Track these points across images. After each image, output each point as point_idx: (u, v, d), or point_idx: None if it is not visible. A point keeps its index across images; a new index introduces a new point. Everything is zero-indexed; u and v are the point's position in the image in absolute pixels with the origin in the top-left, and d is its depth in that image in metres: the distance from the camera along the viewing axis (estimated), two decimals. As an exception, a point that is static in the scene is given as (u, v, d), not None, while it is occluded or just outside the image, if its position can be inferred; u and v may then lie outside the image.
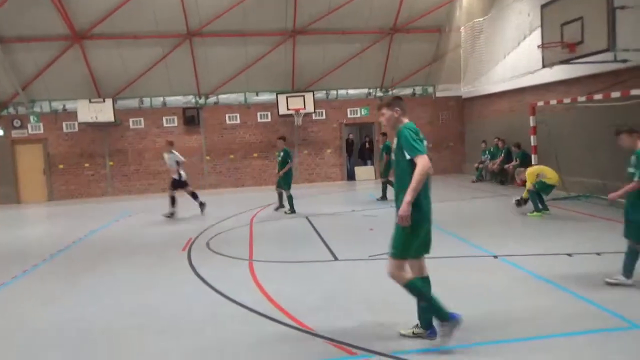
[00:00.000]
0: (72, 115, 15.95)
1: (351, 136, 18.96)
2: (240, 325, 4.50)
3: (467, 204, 11.26)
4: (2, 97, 15.74)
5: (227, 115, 17.09)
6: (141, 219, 11.38)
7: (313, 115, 17.20)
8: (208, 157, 17.08)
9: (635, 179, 4.80)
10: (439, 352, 3.70)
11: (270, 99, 17.03)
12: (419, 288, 3.77)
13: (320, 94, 17.30)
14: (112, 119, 15.70)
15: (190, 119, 16.78)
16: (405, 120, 3.88)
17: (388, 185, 11.59)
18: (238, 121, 17.17)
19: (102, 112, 15.64)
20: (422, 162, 3.60)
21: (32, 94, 15.87)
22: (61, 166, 16.40)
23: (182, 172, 11.20)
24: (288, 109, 16.47)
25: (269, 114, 17.19)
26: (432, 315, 3.81)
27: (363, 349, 3.77)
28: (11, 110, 16.07)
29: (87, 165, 16.56)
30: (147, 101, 16.70)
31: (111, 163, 16.64)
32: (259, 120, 17.27)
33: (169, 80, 16.20)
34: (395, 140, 3.88)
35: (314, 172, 17.69)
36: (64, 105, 16.21)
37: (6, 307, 5.52)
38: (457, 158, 18.07)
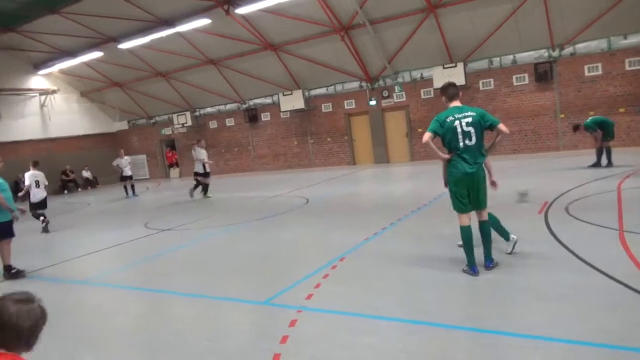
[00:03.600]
0: (429, 82, 17.52)
1: None
2: (605, 296, 4.25)
3: None
4: (374, 72, 18.70)
5: (585, 67, 15.27)
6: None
7: None
8: (562, 115, 15.80)
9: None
10: None
11: (643, 41, 14.28)
12: (461, 235, 5.25)
13: None
14: (463, 82, 16.44)
15: (542, 74, 15.80)
16: (448, 105, 5.24)
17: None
18: (599, 72, 15.12)
19: (453, 76, 16.53)
20: (423, 137, 5.22)
21: (396, 66, 18.20)
22: (420, 130, 18.35)
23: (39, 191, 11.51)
24: (671, 50, 13.43)
25: (643, 58, 14.46)
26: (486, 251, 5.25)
27: None
28: (381, 82, 18.94)
29: (441, 127, 18.00)
30: (496, 61, 16.64)
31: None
32: (627, 68, 14.74)
33: (519, 35, 15.63)
34: None
35: None
36: (422, 74, 17.95)
37: (382, 245, 6.82)
38: None
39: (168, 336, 4.58)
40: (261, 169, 22.69)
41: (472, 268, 5.15)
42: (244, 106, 22.64)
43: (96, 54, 20.31)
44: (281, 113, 21.32)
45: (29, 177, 11.55)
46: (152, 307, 5.72)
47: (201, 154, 14.50)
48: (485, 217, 5.30)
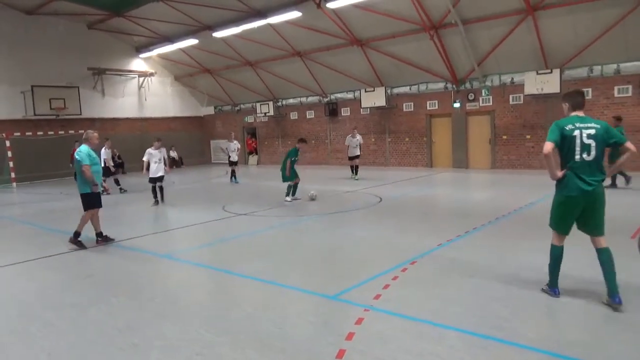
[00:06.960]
0: (519, 87, 16.69)
1: None
2: None
3: None
4: (461, 74, 18.11)
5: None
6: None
7: None
8: (669, 133, 14.44)
9: None
10: None
11: None
12: (551, 253, 4.88)
13: None
14: (557, 90, 15.48)
15: (650, 86, 14.52)
16: (570, 114, 4.73)
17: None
18: None
19: (547, 83, 15.66)
20: (544, 147, 4.57)
21: (485, 69, 17.49)
22: (505, 137, 17.57)
23: None
24: None
25: None
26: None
27: None
28: (467, 85, 18.30)
29: (528, 136, 17.10)
30: (597, 69, 15.48)
31: (553, 135, 16.52)
32: None
33: (626, 43, 14.42)
34: None
35: None
36: (512, 78, 17.11)
37: (456, 253, 6.60)
38: None
39: (238, 317, 4.77)
40: (336, 163, 22.82)
41: (552, 289, 4.87)
42: (325, 100, 22.85)
43: (192, 41, 21.41)
44: (361, 109, 21.29)
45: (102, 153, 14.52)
46: (224, 287, 5.98)
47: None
48: (602, 244, 4.65)
